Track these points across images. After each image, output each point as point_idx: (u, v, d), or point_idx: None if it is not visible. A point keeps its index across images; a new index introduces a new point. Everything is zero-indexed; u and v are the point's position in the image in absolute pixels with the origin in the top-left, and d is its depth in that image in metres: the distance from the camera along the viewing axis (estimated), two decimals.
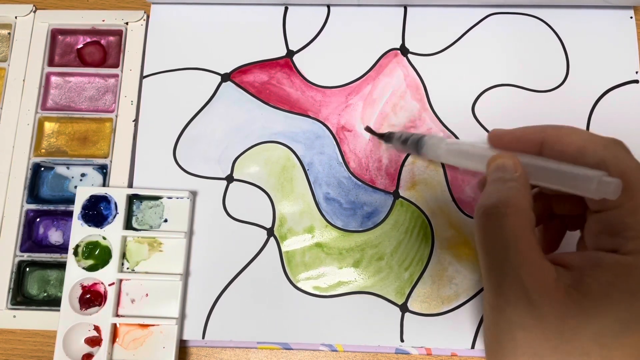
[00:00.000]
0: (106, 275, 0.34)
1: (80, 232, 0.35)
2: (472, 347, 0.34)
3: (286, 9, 0.40)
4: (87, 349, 0.34)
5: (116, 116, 0.38)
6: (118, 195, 0.35)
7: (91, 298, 0.34)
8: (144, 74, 0.39)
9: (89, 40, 0.40)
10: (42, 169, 0.38)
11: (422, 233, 0.36)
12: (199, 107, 0.38)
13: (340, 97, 0.38)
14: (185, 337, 0.34)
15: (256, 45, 0.39)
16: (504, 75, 0.38)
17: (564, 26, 0.39)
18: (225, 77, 0.39)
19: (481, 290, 0.35)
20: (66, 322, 0.33)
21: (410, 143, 0.33)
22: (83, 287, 0.34)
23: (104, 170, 0.37)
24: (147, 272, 0.35)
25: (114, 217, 0.35)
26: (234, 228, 0.36)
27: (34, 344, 0.35)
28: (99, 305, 0.34)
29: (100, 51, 0.40)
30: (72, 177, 0.37)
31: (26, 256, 0.36)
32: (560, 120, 0.37)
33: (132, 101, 0.38)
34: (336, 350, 0.35)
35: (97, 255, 0.35)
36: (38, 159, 0.37)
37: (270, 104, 0.38)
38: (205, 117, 0.38)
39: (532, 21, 0.39)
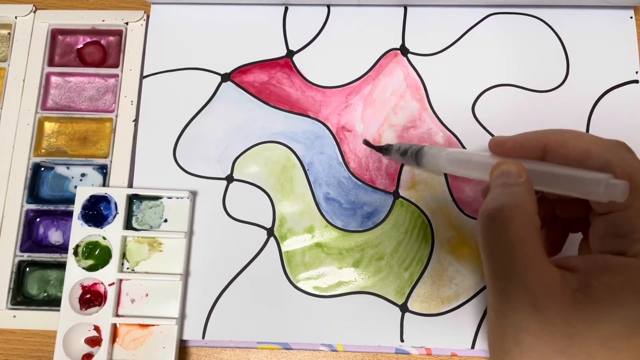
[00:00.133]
0: (106, 275, 0.34)
1: (80, 232, 0.35)
2: (472, 347, 0.34)
3: (286, 9, 0.40)
4: (87, 349, 0.34)
5: (116, 116, 0.38)
6: (118, 195, 0.35)
7: (91, 298, 0.34)
8: (144, 74, 0.39)
9: (89, 40, 0.40)
10: (42, 169, 0.38)
11: (422, 233, 0.36)
12: (199, 107, 0.38)
13: (340, 97, 0.38)
14: (185, 337, 0.34)
15: (256, 45, 0.39)
16: (504, 75, 0.38)
17: (564, 26, 0.39)
18: (225, 77, 0.39)
19: (481, 290, 0.35)
20: (66, 322, 0.33)
21: (410, 154, 0.33)
22: (83, 287, 0.34)
23: (104, 170, 0.37)
24: (147, 272, 0.35)
25: (114, 217, 0.35)
26: (234, 228, 0.36)
27: (34, 344, 0.35)
28: (99, 305, 0.34)
29: (100, 51, 0.40)
30: (72, 177, 0.37)
31: (26, 256, 0.36)
32: (560, 120, 0.37)
33: (132, 101, 0.38)
34: (336, 350, 0.35)
35: (97, 255, 0.35)
36: (38, 159, 0.37)
37: (270, 104, 0.38)
38: (205, 117, 0.38)
39: (532, 21, 0.39)
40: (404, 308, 0.35)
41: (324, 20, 0.39)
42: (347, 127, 0.37)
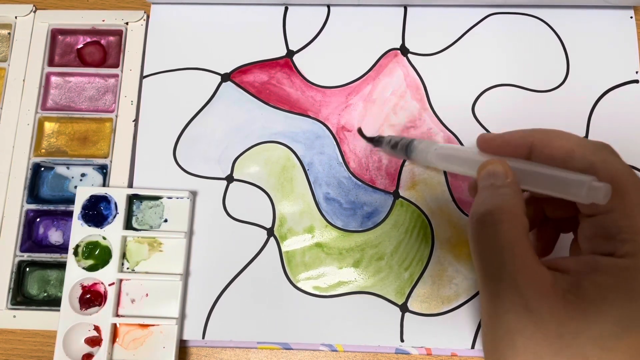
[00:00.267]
0: (106, 275, 0.34)
1: (80, 232, 0.35)
2: (472, 347, 0.34)
3: (286, 9, 0.40)
4: (87, 349, 0.34)
5: (116, 116, 0.38)
6: (118, 195, 0.35)
7: (91, 298, 0.34)
8: (144, 74, 0.39)
9: (89, 40, 0.40)
10: (42, 169, 0.38)
11: (422, 233, 0.36)
12: (199, 107, 0.38)
13: (340, 97, 0.38)
14: (185, 337, 0.34)
15: (256, 45, 0.39)
16: (504, 75, 0.38)
17: (564, 26, 0.39)
18: (225, 77, 0.39)
19: None
20: (66, 322, 0.33)
21: (400, 148, 0.33)
22: (83, 287, 0.34)
23: (104, 170, 0.37)
24: (147, 272, 0.35)
25: (114, 217, 0.35)
26: (234, 228, 0.36)
27: (34, 344, 0.35)
28: (99, 305, 0.34)
29: (100, 51, 0.40)
30: (72, 177, 0.37)
31: (26, 256, 0.36)
32: (560, 120, 0.37)
33: (132, 101, 0.38)
34: (336, 350, 0.35)
35: (97, 255, 0.35)
36: (38, 159, 0.37)
37: (270, 104, 0.38)
38: (205, 117, 0.38)
39: (532, 21, 0.39)
40: (404, 308, 0.35)
41: (324, 20, 0.39)
42: (347, 127, 0.37)
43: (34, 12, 0.40)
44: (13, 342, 0.35)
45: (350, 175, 0.37)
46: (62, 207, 0.36)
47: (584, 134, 0.37)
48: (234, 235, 0.36)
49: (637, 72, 0.38)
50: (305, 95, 0.38)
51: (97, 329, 0.34)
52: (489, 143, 0.27)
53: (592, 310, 0.20)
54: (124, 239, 0.35)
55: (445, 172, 0.36)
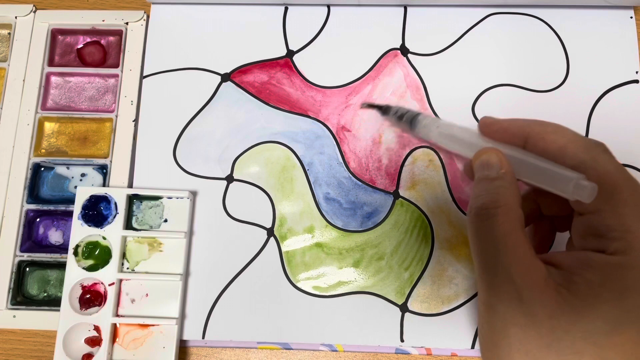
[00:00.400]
0: (106, 275, 0.34)
1: (80, 232, 0.35)
2: (472, 347, 0.34)
3: (286, 9, 0.40)
4: (87, 349, 0.34)
5: (116, 116, 0.38)
6: (118, 195, 0.35)
7: (91, 298, 0.34)
8: (144, 74, 0.39)
9: (89, 40, 0.40)
10: (42, 169, 0.38)
11: (422, 233, 0.36)
12: (199, 107, 0.38)
13: (340, 97, 0.38)
14: (185, 337, 0.34)
15: (256, 45, 0.39)
16: (504, 75, 0.38)
17: (564, 26, 0.39)
18: (225, 77, 0.39)
19: None
20: (66, 322, 0.33)
21: (405, 120, 0.33)
22: (83, 287, 0.34)
23: (104, 170, 0.37)
24: (147, 272, 0.35)
25: (114, 217, 0.35)
26: (234, 228, 0.36)
27: (34, 344, 0.35)
28: (99, 305, 0.34)
29: (100, 51, 0.40)
30: (72, 177, 0.37)
31: (26, 256, 0.36)
32: (560, 120, 0.37)
33: (132, 101, 0.38)
34: (336, 350, 0.35)
35: (97, 255, 0.35)
36: (38, 159, 0.37)
37: (270, 104, 0.38)
38: (205, 117, 0.38)
39: (532, 21, 0.39)
40: (404, 308, 0.35)
41: (324, 20, 0.39)
42: (347, 127, 0.37)
43: (34, 12, 0.40)
44: (13, 342, 0.35)
45: (350, 175, 0.37)
46: (62, 207, 0.36)
47: (584, 134, 0.37)
48: (234, 235, 0.36)
49: (637, 72, 0.38)
50: (305, 95, 0.38)
51: (97, 329, 0.34)
52: (489, 127, 0.27)
53: (583, 306, 0.20)
54: (124, 239, 0.35)
55: (445, 172, 0.36)
